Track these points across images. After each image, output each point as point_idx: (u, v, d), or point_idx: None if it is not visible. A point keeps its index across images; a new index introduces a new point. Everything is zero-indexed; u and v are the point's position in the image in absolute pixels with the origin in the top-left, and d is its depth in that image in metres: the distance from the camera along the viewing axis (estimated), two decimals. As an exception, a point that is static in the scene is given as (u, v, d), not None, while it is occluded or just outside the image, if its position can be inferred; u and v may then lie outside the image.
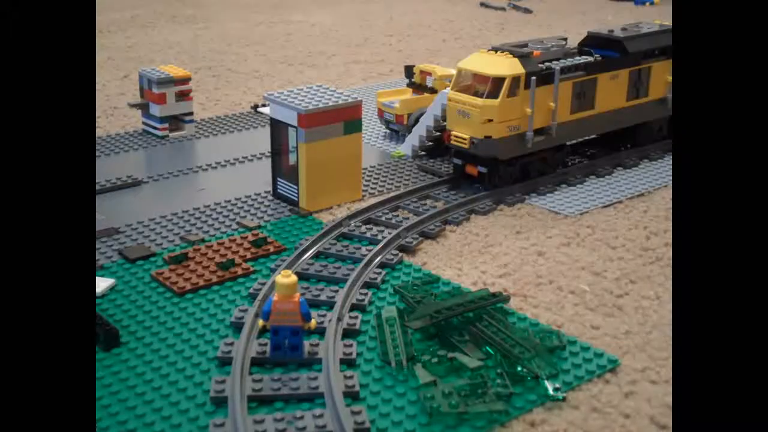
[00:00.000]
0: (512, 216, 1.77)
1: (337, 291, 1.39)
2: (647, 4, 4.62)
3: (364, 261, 1.48)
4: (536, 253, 1.60)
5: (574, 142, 2.06)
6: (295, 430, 1.06)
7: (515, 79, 1.75)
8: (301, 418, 1.08)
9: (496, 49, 1.83)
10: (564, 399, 1.15)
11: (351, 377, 1.16)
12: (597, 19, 4.16)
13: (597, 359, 1.25)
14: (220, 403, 1.13)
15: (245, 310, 1.32)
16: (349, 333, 1.29)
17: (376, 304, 1.38)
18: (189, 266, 1.49)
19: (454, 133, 1.81)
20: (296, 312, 1.19)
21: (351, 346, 1.24)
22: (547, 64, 1.85)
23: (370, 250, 1.52)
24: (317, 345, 1.24)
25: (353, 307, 1.36)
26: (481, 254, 1.59)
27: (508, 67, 1.77)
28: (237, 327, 1.30)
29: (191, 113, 2.28)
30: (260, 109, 2.49)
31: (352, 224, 1.65)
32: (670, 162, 2.11)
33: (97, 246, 1.58)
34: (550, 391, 1.15)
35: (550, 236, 1.68)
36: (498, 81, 1.75)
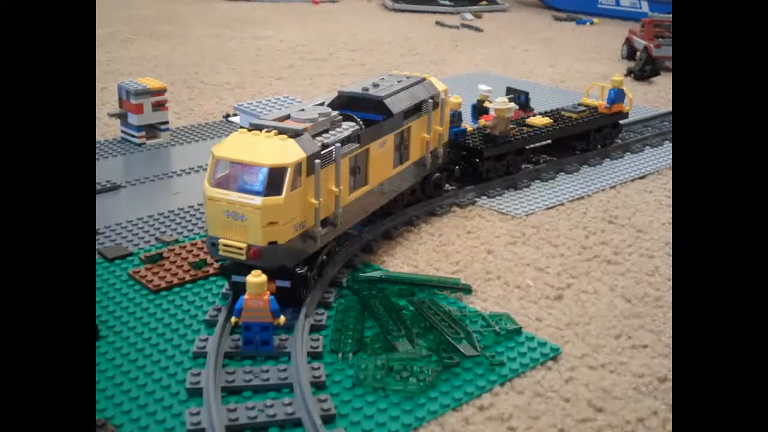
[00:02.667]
0: (464, 217, 1.78)
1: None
2: (587, 24, 4.68)
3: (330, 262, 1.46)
4: (485, 251, 1.61)
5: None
6: (265, 417, 1.06)
7: (298, 167, 1.25)
8: (271, 406, 1.07)
9: (258, 128, 1.31)
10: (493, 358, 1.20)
11: (318, 369, 1.16)
12: (543, 38, 4.20)
13: (540, 348, 1.26)
14: (195, 393, 1.12)
15: (219, 309, 1.31)
16: (315, 328, 1.28)
17: (339, 302, 1.38)
18: (164, 265, 1.47)
19: (223, 241, 1.25)
20: (266, 309, 1.19)
21: (317, 340, 1.24)
22: (319, 139, 1.37)
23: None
24: (286, 339, 1.23)
25: (319, 305, 1.35)
26: (435, 252, 1.60)
27: (285, 152, 1.25)
28: (211, 324, 1.29)
29: (167, 122, 2.26)
30: (231, 118, 2.47)
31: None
32: (608, 167, 2.14)
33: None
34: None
35: (498, 236, 1.69)
36: (278, 172, 1.23)
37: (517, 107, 2.31)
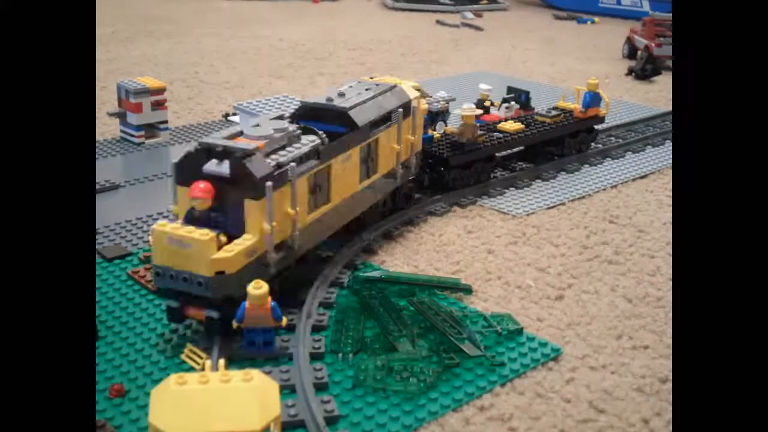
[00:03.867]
0: (464, 217, 1.78)
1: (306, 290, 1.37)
2: (588, 23, 4.68)
3: (330, 262, 1.46)
4: (486, 251, 1.61)
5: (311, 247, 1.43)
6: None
7: None
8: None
9: (208, 147, 1.25)
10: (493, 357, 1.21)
11: (320, 370, 1.16)
12: (543, 37, 4.20)
13: (541, 348, 1.26)
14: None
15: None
16: (317, 329, 1.28)
17: (339, 302, 1.38)
18: (164, 265, 1.47)
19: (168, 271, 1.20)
20: (269, 317, 1.19)
21: (320, 341, 1.23)
22: (273, 158, 1.27)
23: (335, 252, 1.51)
24: (288, 340, 1.23)
25: (321, 305, 1.35)
26: (436, 252, 1.60)
27: None
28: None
29: (166, 121, 2.26)
30: (230, 118, 2.47)
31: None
32: (608, 167, 2.14)
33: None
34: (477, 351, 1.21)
35: (498, 235, 1.69)
36: None
37: (518, 106, 2.31)
